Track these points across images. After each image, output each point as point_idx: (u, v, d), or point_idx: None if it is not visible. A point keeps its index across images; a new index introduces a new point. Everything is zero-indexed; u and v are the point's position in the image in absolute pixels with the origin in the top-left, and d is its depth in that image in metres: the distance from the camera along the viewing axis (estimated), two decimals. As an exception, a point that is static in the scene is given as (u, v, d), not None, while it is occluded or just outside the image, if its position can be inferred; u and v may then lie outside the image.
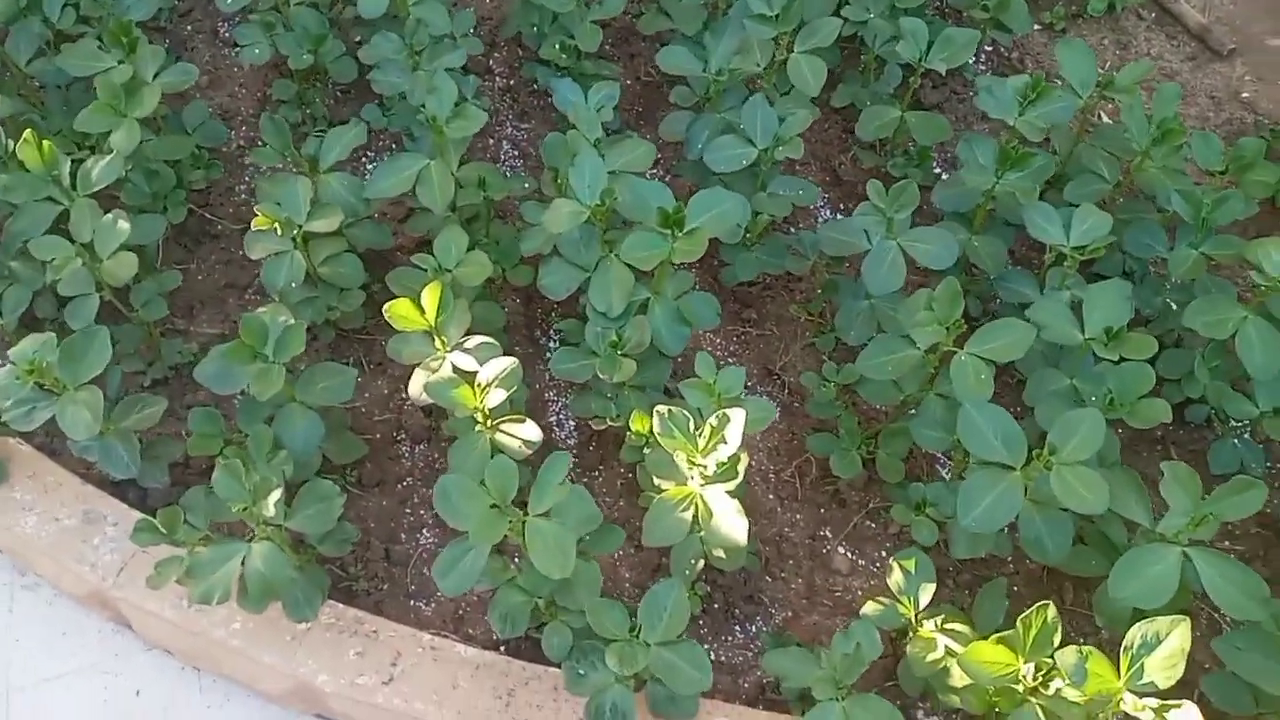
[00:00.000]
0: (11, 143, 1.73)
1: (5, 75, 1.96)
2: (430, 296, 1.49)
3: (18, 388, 1.36)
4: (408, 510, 1.73)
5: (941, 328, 1.41)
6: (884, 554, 1.67)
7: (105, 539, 1.59)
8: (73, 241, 1.58)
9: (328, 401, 1.54)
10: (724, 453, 1.28)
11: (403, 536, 1.70)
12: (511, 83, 2.31)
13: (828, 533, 1.70)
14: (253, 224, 1.59)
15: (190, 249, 2.01)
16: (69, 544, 1.57)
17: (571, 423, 1.84)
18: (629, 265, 1.56)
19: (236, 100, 2.29)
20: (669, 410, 1.32)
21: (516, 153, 2.23)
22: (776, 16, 1.76)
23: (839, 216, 2.09)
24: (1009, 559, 1.67)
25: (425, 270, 1.64)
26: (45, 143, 1.60)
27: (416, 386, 1.50)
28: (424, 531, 1.71)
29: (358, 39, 2.24)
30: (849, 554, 1.67)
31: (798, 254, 1.82)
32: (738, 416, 1.28)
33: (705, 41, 1.86)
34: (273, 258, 1.66)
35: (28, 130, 1.59)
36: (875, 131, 1.90)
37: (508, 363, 1.43)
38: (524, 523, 1.23)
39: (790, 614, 1.62)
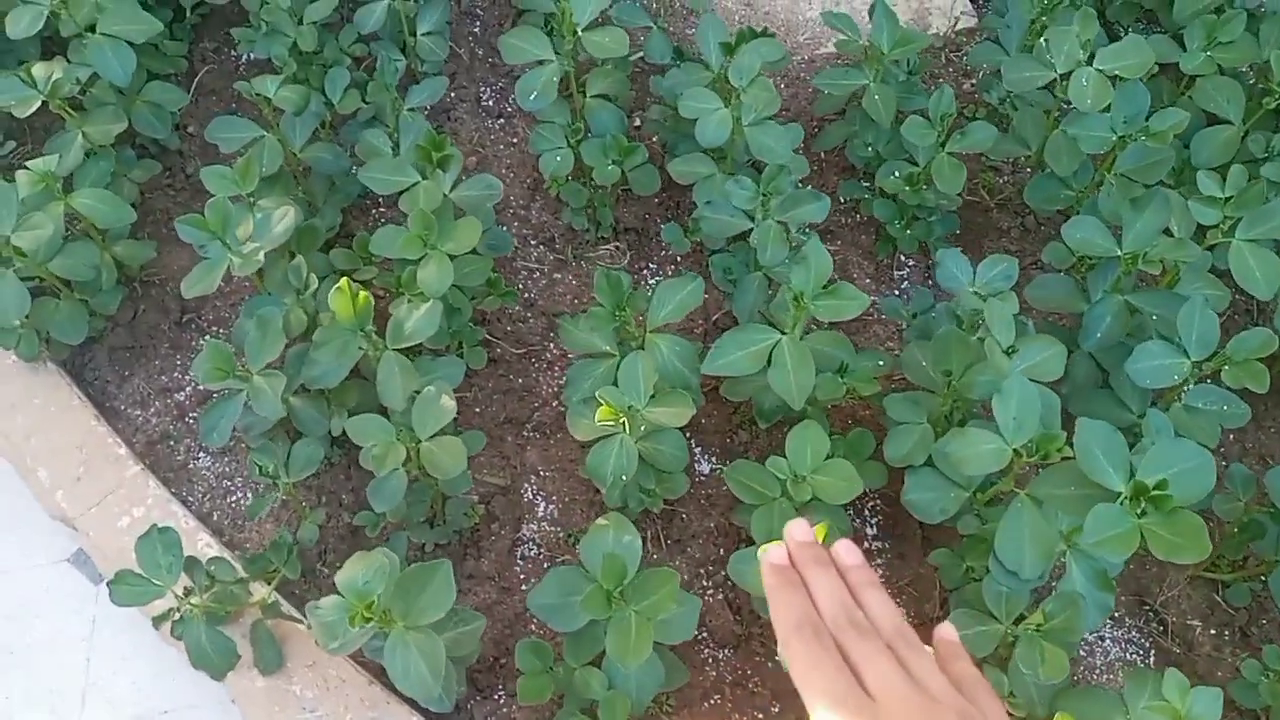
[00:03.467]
0: (314, 278, 1.52)
1: (282, 165, 1.76)
2: (818, 534, 1.23)
3: (346, 629, 1.14)
4: (718, 739, 1.49)
5: None
6: None
7: (395, 760, 1.38)
8: (388, 418, 1.36)
9: (669, 640, 1.30)
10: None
11: (716, 777, 1.47)
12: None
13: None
14: (597, 416, 1.34)
15: (467, 376, 1.79)
16: (356, 763, 1.38)
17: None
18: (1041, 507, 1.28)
19: (507, 186, 2.06)
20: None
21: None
22: (1228, 199, 1.43)
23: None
24: None
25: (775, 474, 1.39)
26: (362, 294, 1.38)
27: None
28: (739, 771, 1.47)
29: (653, 138, 1.99)
30: None
31: (1227, 494, 1.50)
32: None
33: (1100, 204, 1.55)
34: (600, 443, 1.42)
35: (344, 280, 1.37)
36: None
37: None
38: None
39: None
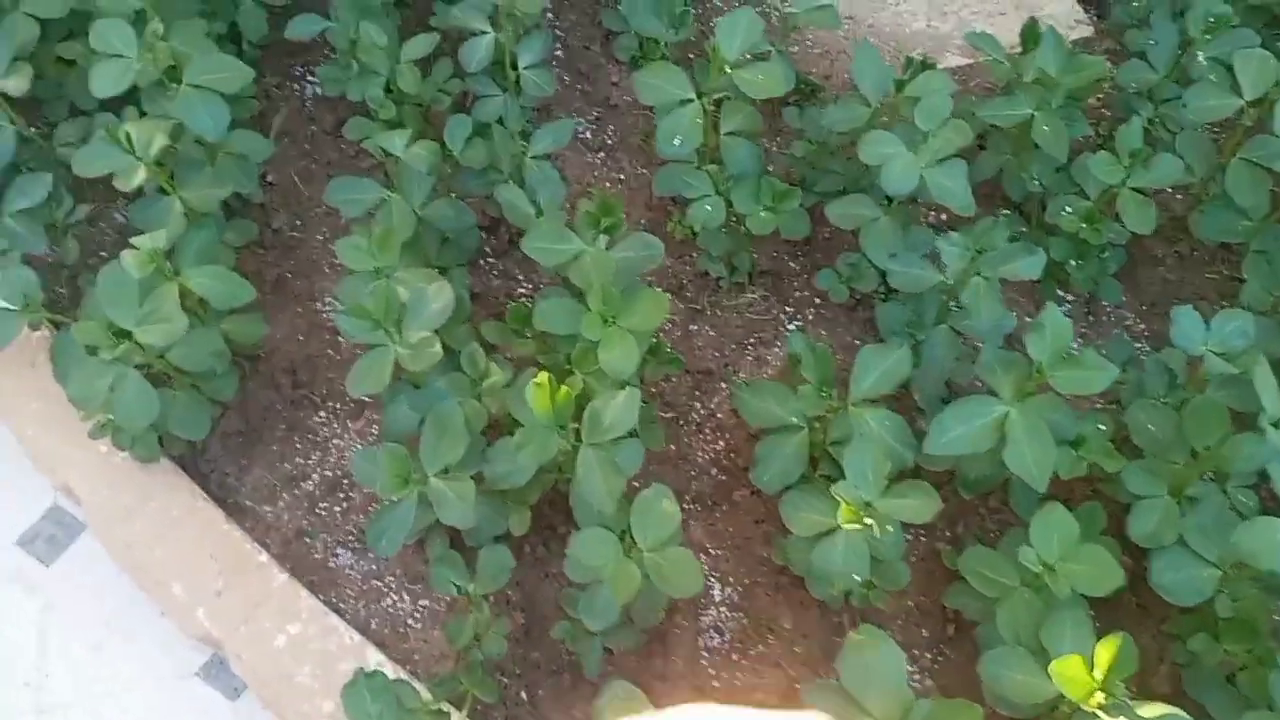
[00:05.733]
0: (494, 367, 1.38)
1: (419, 235, 1.59)
2: (1106, 652, 1.13)
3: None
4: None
5: None
6: None
7: None
8: (613, 532, 1.22)
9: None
10: None
11: None
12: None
13: None
14: (840, 517, 1.22)
15: (619, 447, 1.65)
16: None
17: None
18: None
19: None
20: None
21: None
22: None
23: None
24: None
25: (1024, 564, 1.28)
26: (563, 389, 1.24)
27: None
28: None
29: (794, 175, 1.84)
30: None
31: None
32: None
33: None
34: (825, 539, 1.29)
35: (543, 374, 1.23)
36: None
37: (1249, 773, 1.06)
38: None
39: None
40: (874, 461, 1.27)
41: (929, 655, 1.49)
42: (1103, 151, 1.57)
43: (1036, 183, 1.70)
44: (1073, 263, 1.68)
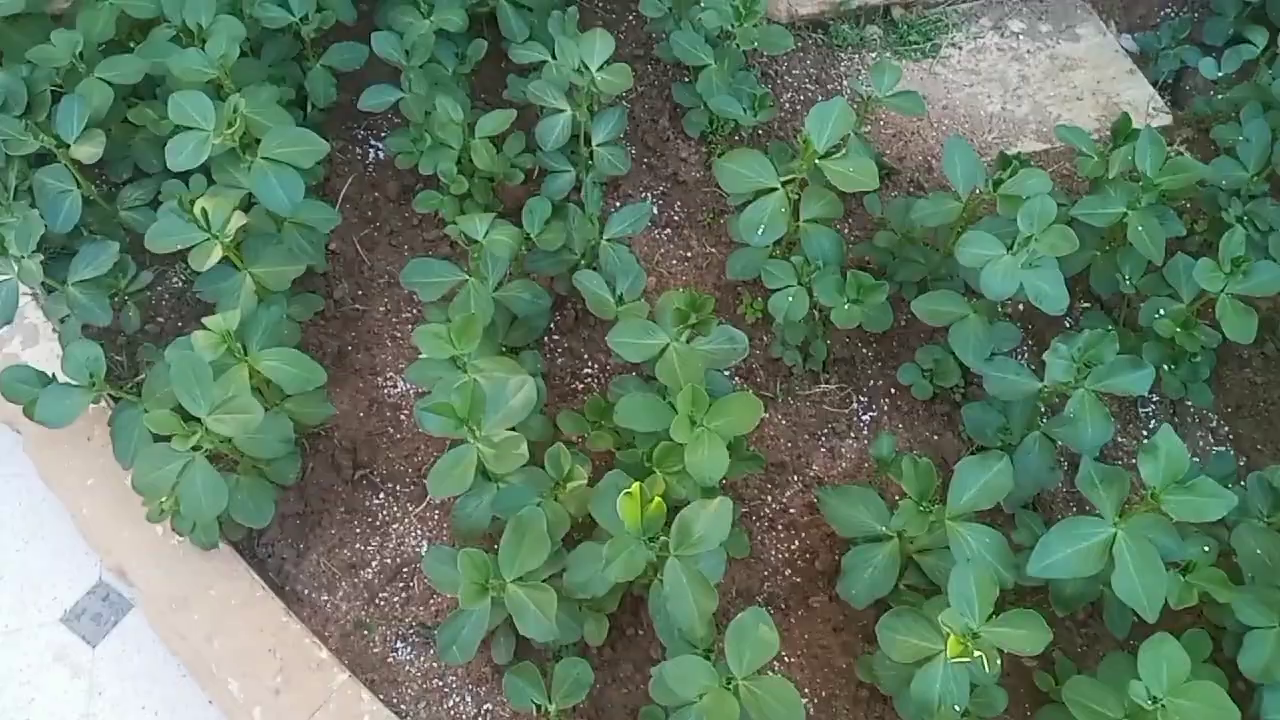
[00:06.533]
0: (579, 469, 1.32)
1: (494, 318, 1.55)
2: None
3: None
4: None
5: None
6: None
7: None
8: (699, 649, 1.16)
9: None
10: None
11: None
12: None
13: None
14: (948, 650, 1.15)
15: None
16: None
17: None
18: None
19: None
20: None
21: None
22: None
23: None
24: None
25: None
26: (655, 501, 1.18)
27: None
28: None
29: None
30: None
31: None
32: None
33: None
34: (923, 667, 1.23)
35: (636, 484, 1.18)
36: None
37: None
38: None
39: None
40: (979, 586, 1.20)
41: (1019, 780, 1.42)
42: (1207, 260, 1.52)
43: (1128, 282, 1.65)
44: (1166, 367, 1.62)
